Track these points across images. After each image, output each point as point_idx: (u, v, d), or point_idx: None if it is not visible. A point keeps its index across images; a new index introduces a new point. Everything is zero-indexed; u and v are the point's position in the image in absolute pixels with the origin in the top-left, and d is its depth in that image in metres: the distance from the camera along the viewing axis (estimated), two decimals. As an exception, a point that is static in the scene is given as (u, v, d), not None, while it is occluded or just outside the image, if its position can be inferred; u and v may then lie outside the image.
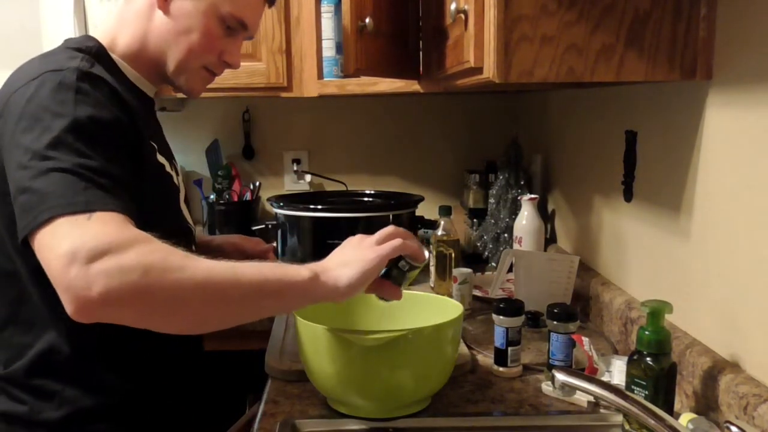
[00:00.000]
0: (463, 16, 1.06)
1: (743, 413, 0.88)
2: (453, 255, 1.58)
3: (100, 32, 1.11)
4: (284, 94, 1.96)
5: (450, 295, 1.52)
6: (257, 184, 2.26)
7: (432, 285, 1.64)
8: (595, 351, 1.14)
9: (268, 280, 0.86)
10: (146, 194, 0.95)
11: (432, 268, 1.61)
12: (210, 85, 1.19)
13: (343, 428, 1.05)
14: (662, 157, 1.21)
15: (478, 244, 1.99)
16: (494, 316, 1.21)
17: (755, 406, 0.86)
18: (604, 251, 1.52)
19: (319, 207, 1.81)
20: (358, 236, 0.97)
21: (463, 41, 1.08)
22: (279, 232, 1.86)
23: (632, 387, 0.95)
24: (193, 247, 1.19)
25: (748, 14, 0.94)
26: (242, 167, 2.32)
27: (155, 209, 0.85)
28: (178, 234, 0.84)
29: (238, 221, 2.15)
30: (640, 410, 0.80)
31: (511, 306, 1.20)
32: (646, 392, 0.94)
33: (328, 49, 1.90)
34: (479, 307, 1.60)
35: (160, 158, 1.08)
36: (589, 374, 1.06)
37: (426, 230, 1.89)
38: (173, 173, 1.13)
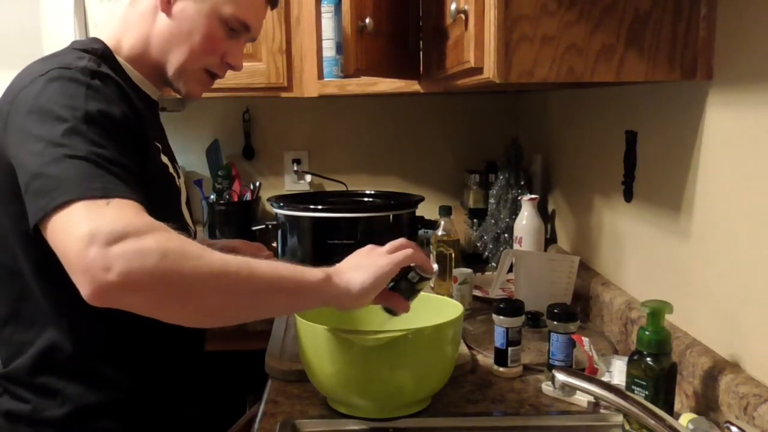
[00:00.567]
0: (463, 16, 1.06)
1: (743, 413, 0.88)
2: (453, 255, 1.58)
3: (105, 35, 1.11)
4: (284, 94, 1.96)
5: (450, 295, 1.52)
6: (257, 184, 2.26)
7: (432, 285, 1.65)
8: (596, 351, 1.14)
9: (283, 277, 0.87)
10: (149, 193, 0.95)
11: (432, 269, 1.61)
12: (211, 87, 1.19)
13: (343, 428, 1.05)
14: (662, 157, 1.21)
15: (478, 244, 1.99)
16: (494, 316, 1.21)
17: (755, 406, 0.86)
18: (605, 251, 1.52)
19: (319, 207, 1.81)
20: (369, 246, 0.98)
21: (464, 41, 1.08)
22: (279, 232, 1.86)
23: (632, 387, 0.95)
24: None
25: (748, 14, 0.94)
26: (242, 167, 2.32)
27: (157, 208, 0.86)
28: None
29: (238, 221, 2.15)
30: (641, 410, 0.80)
31: (511, 306, 1.21)
32: (647, 392, 0.94)
33: (328, 49, 1.90)
34: (479, 307, 1.60)
35: (164, 159, 1.09)
36: (590, 374, 1.06)
37: (426, 230, 1.89)
38: (175, 175, 1.14)
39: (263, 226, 1.90)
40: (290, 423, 1.04)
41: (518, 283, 1.54)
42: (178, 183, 1.15)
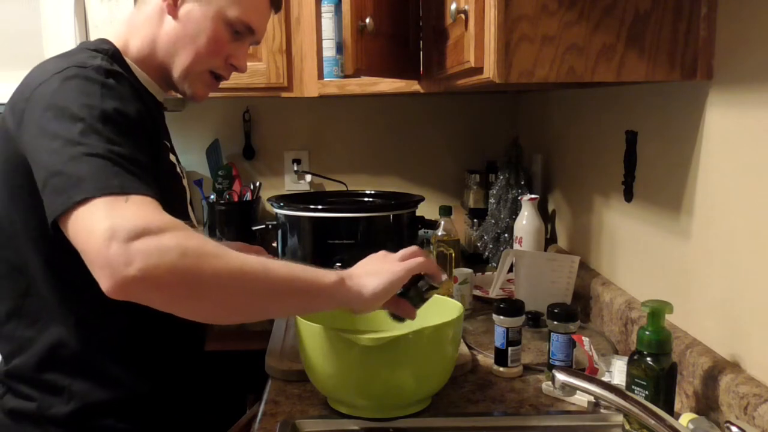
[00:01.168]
0: (463, 16, 1.06)
1: (743, 413, 0.88)
2: (453, 255, 1.58)
3: (111, 36, 1.12)
4: (284, 94, 1.96)
5: (450, 295, 1.52)
6: (257, 184, 2.26)
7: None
8: (596, 351, 1.14)
9: (298, 278, 0.88)
10: (160, 191, 0.96)
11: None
12: (216, 88, 1.20)
13: (344, 428, 1.05)
14: (662, 157, 1.21)
15: (479, 244, 1.99)
16: (494, 316, 1.21)
17: (756, 406, 0.86)
18: (605, 251, 1.52)
19: (320, 207, 1.81)
20: (382, 252, 1.00)
21: (464, 41, 1.08)
22: (279, 232, 1.86)
23: (633, 387, 0.95)
24: None
25: (749, 14, 0.94)
26: (242, 167, 2.32)
27: (166, 207, 0.87)
28: None
29: (238, 221, 2.15)
30: (641, 410, 0.80)
31: (511, 306, 1.21)
32: (647, 392, 0.94)
33: (329, 49, 1.90)
34: (479, 307, 1.60)
35: (172, 158, 1.11)
36: (590, 374, 1.06)
37: (426, 230, 1.89)
38: (181, 175, 1.15)
39: (263, 226, 1.90)
40: (290, 423, 1.04)
41: (518, 283, 1.54)
42: (183, 183, 1.16)
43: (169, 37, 1.10)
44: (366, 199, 2.03)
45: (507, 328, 1.20)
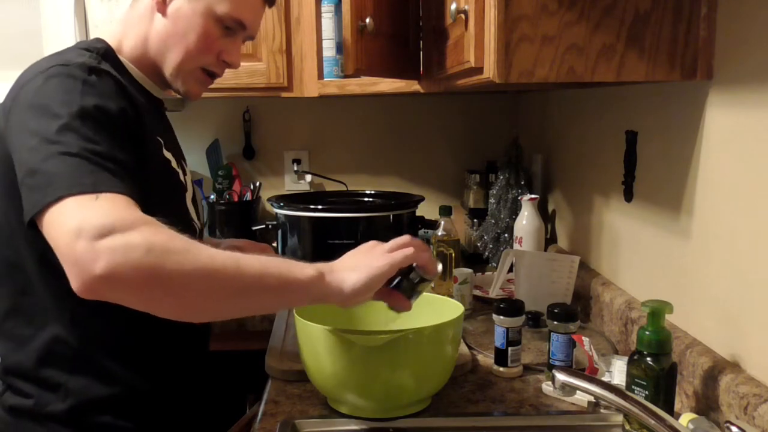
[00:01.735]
0: (463, 16, 1.06)
1: (743, 413, 0.88)
2: (453, 255, 1.58)
3: (107, 36, 1.13)
4: (284, 94, 1.96)
5: (450, 295, 1.52)
6: (258, 184, 2.26)
7: (433, 285, 1.64)
8: (596, 351, 1.14)
9: (271, 274, 0.86)
10: (151, 186, 0.96)
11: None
12: (210, 85, 1.19)
13: (344, 428, 1.05)
14: (662, 157, 1.21)
15: (479, 244, 1.99)
16: (494, 316, 1.21)
17: (756, 406, 0.86)
18: (605, 251, 1.52)
19: (320, 207, 1.81)
20: (372, 242, 0.98)
21: (464, 41, 1.08)
22: (279, 232, 1.86)
23: (633, 387, 0.95)
24: None
25: (749, 14, 0.94)
26: (242, 167, 2.32)
27: (160, 202, 0.86)
28: (183, 230, 0.84)
29: (238, 221, 2.15)
30: (641, 410, 0.80)
31: (511, 306, 1.20)
32: (647, 392, 0.94)
33: (329, 49, 1.90)
34: (479, 307, 1.60)
35: (167, 154, 1.09)
36: (590, 374, 1.06)
37: (426, 230, 1.89)
38: (180, 171, 1.14)
39: (263, 226, 1.90)
40: (290, 423, 1.04)
41: (518, 283, 1.54)
42: (183, 179, 1.15)
43: (159, 35, 1.10)
44: (366, 199, 2.03)
45: (507, 328, 1.20)
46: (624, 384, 0.99)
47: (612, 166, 1.42)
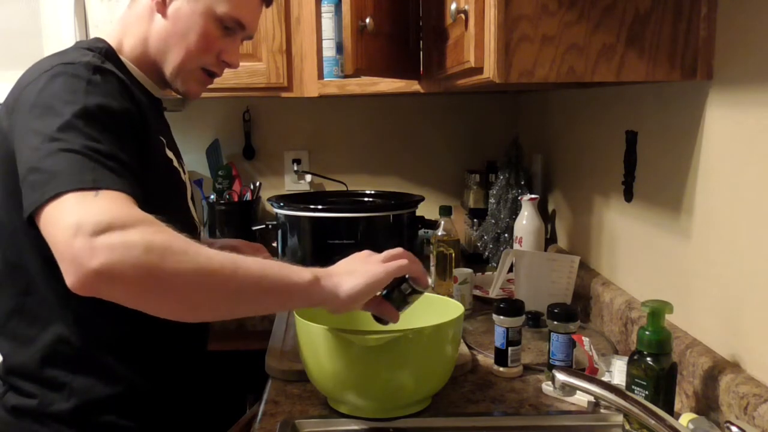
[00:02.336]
0: (463, 16, 1.06)
1: (743, 413, 0.88)
2: (453, 255, 1.58)
3: (107, 36, 1.13)
4: (284, 94, 1.96)
5: (450, 295, 1.52)
6: (257, 184, 2.26)
7: (432, 285, 1.64)
8: (596, 351, 1.14)
9: (268, 278, 0.87)
10: (154, 185, 0.97)
11: (432, 268, 1.61)
12: (210, 85, 1.20)
13: (343, 428, 1.05)
14: (662, 157, 1.21)
15: (479, 244, 1.99)
16: (494, 316, 1.21)
17: (756, 406, 0.86)
18: (605, 251, 1.52)
19: (320, 207, 1.81)
20: (366, 252, 0.98)
21: (464, 41, 1.08)
22: (279, 232, 1.86)
23: (633, 387, 0.95)
24: None
25: (749, 14, 0.94)
26: (242, 167, 2.32)
27: (162, 201, 0.87)
28: (184, 228, 0.84)
29: (238, 221, 2.15)
30: (641, 410, 0.80)
31: (511, 306, 1.20)
32: (647, 392, 0.94)
33: (329, 49, 1.90)
34: (479, 307, 1.60)
35: (169, 153, 1.10)
36: (590, 374, 1.06)
37: (426, 230, 1.89)
38: (180, 170, 1.15)
39: (263, 226, 1.90)
40: (290, 423, 1.04)
41: (518, 283, 1.54)
42: (183, 178, 1.16)
43: (159, 36, 1.11)
44: (366, 199, 2.03)
45: (507, 328, 1.20)
46: (624, 384, 0.99)
47: (612, 166, 1.42)
